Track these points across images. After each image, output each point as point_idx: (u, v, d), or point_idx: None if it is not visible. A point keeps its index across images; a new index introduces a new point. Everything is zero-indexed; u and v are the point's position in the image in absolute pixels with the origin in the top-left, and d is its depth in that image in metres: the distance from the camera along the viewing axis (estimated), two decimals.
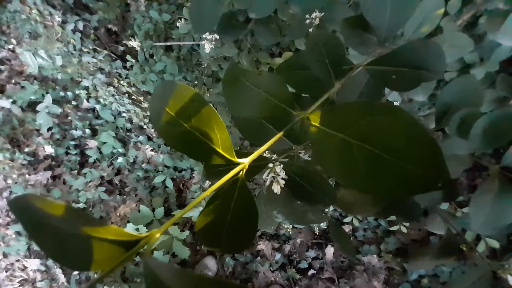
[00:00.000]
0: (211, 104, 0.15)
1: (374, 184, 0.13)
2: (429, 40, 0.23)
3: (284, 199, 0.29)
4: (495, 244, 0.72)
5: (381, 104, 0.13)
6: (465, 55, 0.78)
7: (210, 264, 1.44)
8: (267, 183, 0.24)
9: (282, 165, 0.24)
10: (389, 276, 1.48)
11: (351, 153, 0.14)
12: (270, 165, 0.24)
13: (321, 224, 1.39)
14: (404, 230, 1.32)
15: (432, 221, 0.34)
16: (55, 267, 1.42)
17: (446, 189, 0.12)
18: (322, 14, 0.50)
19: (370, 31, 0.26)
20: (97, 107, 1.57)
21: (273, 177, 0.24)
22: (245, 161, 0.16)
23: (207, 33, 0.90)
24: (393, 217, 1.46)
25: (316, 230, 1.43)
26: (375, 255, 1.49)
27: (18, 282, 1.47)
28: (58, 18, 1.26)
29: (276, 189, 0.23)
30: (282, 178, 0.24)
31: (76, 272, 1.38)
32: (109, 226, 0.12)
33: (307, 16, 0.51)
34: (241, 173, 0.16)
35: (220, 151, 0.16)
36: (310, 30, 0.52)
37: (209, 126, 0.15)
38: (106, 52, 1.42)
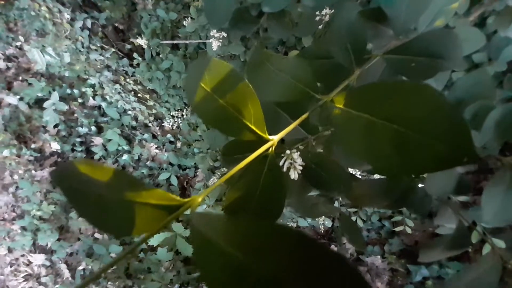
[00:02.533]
0: (246, 80, 0.16)
1: (399, 163, 0.14)
2: (446, 29, 0.24)
3: (299, 188, 0.30)
4: (501, 244, 0.72)
5: (408, 82, 0.13)
6: (474, 55, 0.78)
7: None
8: (284, 169, 0.24)
9: (299, 152, 0.25)
10: (392, 277, 1.47)
11: (377, 133, 0.14)
12: (287, 152, 0.25)
13: (326, 222, 1.39)
14: (409, 231, 1.32)
15: (443, 214, 0.35)
16: (60, 262, 1.44)
17: (472, 163, 0.12)
18: (332, 11, 0.50)
19: (385, 23, 0.27)
20: (103, 104, 1.58)
21: (290, 163, 0.24)
22: (275, 138, 0.17)
23: (215, 31, 0.91)
24: (398, 218, 1.44)
25: (321, 229, 1.43)
26: (379, 256, 1.48)
27: (23, 277, 1.48)
28: (67, 16, 1.28)
29: (294, 175, 0.24)
30: (299, 165, 0.24)
31: (80, 268, 1.39)
32: (154, 189, 0.12)
33: (317, 13, 0.52)
34: (271, 149, 0.17)
35: (253, 127, 0.16)
36: (320, 27, 0.53)
37: (243, 102, 0.16)
38: (113, 50, 1.43)
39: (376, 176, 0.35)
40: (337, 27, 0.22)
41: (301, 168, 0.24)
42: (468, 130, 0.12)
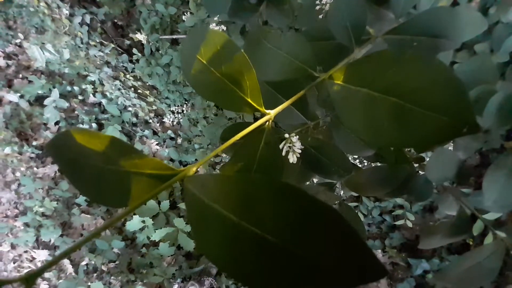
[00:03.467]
0: (242, 51, 0.15)
1: (399, 136, 0.13)
2: (448, 7, 0.23)
3: (298, 176, 0.29)
4: (503, 235, 0.72)
5: (408, 53, 0.13)
6: (476, 46, 0.77)
7: None
8: (283, 153, 0.24)
9: (298, 136, 0.24)
10: (393, 271, 1.47)
11: (376, 107, 0.14)
12: (286, 135, 0.25)
13: None
14: (409, 224, 1.32)
15: (444, 201, 0.34)
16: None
17: (472, 133, 0.12)
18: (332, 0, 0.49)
19: (386, 6, 0.26)
20: (103, 101, 1.58)
21: (289, 147, 0.24)
22: (272, 112, 0.17)
23: (214, 25, 0.90)
24: (398, 212, 1.44)
25: None
26: (380, 250, 1.49)
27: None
28: (65, 11, 1.27)
29: (292, 158, 0.24)
30: (298, 148, 0.24)
31: (84, 263, 1.40)
32: (149, 158, 0.12)
33: (317, 2, 0.51)
34: (267, 123, 0.16)
35: (249, 100, 0.16)
36: (320, 16, 0.52)
37: (239, 73, 0.15)
38: (112, 45, 1.43)
39: (377, 164, 0.35)
40: (337, 5, 0.22)
41: (300, 151, 0.24)
42: (469, 100, 0.12)
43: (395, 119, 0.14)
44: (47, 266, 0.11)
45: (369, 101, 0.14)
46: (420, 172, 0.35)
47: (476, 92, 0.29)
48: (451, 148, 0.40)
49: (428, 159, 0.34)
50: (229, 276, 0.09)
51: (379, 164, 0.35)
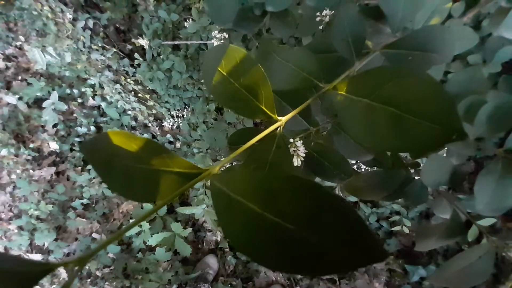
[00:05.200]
0: (259, 65, 0.17)
1: (397, 142, 0.15)
2: (440, 25, 0.25)
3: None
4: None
5: (405, 68, 0.15)
6: (469, 57, 0.80)
7: (212, 262, 1.44)
8: None
9: (302, 141, 0.26)
10: (390, 278, 1.48)
11: (375, 116, 0.15)
12: (291, 140, 0.26)
13: None
14: (406, 231, 1.33)
15: (438, 205, 0.36)
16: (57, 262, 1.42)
17: (460, 139, 0.13)
18: (332, 12, 0.52)
19: (383, 21, 0.28)
20: (103, 104, 1.58)
21: (294, 151, 0.25)
22: (283, 119, 0.18)
23: (216, 32, 0.93)
24: (395, 218, 1.45)
25: None
26: None
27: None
28: (69, 15, 1.29)
29: (297, 162, 0.25)
30: (302, 152, 0.25)
31: (77, 267, 1.38)
32: (177, 157, 0.14)
33: (318, 14, 0.53)
34: (279, 129, 0.18)
35: (264, 108, 0.17)
36: (320, 27, 0.54)
37: (256, 85, 0.17)
38: (114, 50, 1.44)
39: (374, 169, 0.36)
40: (339, 22, 0.23)
41: (303, 155, 0.25)
42: (456, 111, 0.14)
43: (393, 127, 0.15)
44: (99, 248, 0.12)
45: (370, 111, 0.16)
46: (416, 177, 0.37)
47: (467, 102, 0.31)
48: (445, 155, 0.42)
49: (423, 165, 0.35)
50: (252, 259, 0.10)
51: (377, 169, 0.36)
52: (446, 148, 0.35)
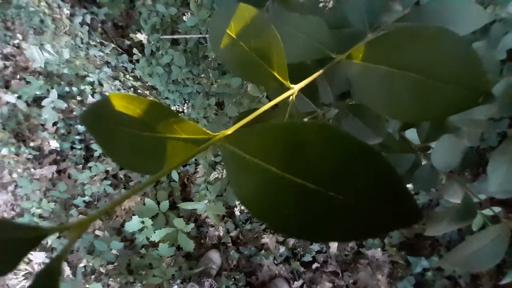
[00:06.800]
0: (272, 26, 0.16)
1: (419, 110, 0.14)
2: None
3: None
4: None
5: (425, 27, 0.14)
6: (473, 44, 0.79)
7: (215, 257, 1.44)
8: None
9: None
10: (393, 269, 1.48)
11: (395, 84, 0.14)
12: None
13: None
14: None
15: (449, 188, 0.35)
16: None
17: (488, 102, 0.13)
18: None
19: None
20: None
21: None
22: (296, 87, 0.17)
23: None
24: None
25: None
26: (379, 249, 1.50)
27: (23, 276, 1.47)
28: (66, 11, 1.27)
29: None
30: None
31: (81, 265, 1.38)
32: (186, 122, 0.13)
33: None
34: (291, 97, 0.17)
35: (276, 74, 0.16)
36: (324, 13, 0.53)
37: (268, 48, 0.16)
38: (112, 45, 1.43)
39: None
40: None
41: None
42: (484, 71, 0.13)
43: (415, 94, 0.14)
44: (100, 214, 0.11)
45: (389, 78, 0.15)
46: (424, 161, 0.36)
47: None
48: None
49: (433, 147, 0.34)
50: (270, 226, 0.09)
51: (384, 154, 0.35)
52: (456, 130, 0.34)
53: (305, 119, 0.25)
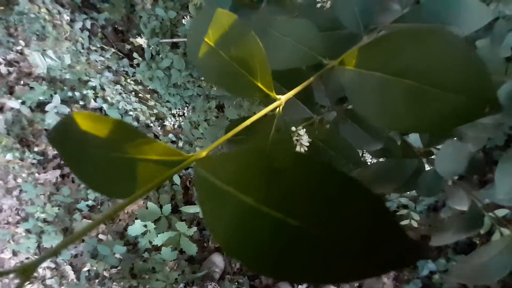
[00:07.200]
0: (252, 32, 0.15)
1: (415, 120, 0.13)
2: None
3: None
4: (508, 232, 0.70)
5: (424, 28, 0.12)
6: (477, 42, 0.77)
7: (218, 261, 1.43)
8: None
9: (305, 129, 0.24)
10: (399, 272, 1.45)
11: (390, 91, 0.13)
12: (293, 128, 0.24)
13: None
14: (414, 224, 1.30)
15: (455, 195, 0.34)
16: (65, 264, 1.43)
17: (494, 113, 0.11)
18: None
19: None
20: (104, 106, 1.58)
21: (296, 139, 0.23)
22: (282, 98, 0.16)
23: None
24: (403, 212, 1.43)
25: None
26: None
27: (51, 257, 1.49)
28: (66, 17, 1.28)
29: (300, 151, 0.23)
30: (306, 141, 0.23)
31: (85, 269, 1.39)
32: (156, 142, 0.12)
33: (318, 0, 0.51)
34: (278, 109, 0.16)
35: (260, 85, 0.15)
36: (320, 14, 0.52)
37: (249, 56, 0.15)
38: (113, 50, 1.43)
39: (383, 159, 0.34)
40: None
41: (307, 144, 0.23)
42: (490, 77, 0.12)
43: (411, 102, 0.13)
44: (46, 256, 0.10)
45: (383, 86, 0.14)
46: (428, 166, 0.35)
47: None
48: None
49: (437, 153, 0.33)
50: (244, 264, 0.08)
51: (386, 159, 0.34)
52: (460, 134, 0.33)
53: (300, 127, 0.24)
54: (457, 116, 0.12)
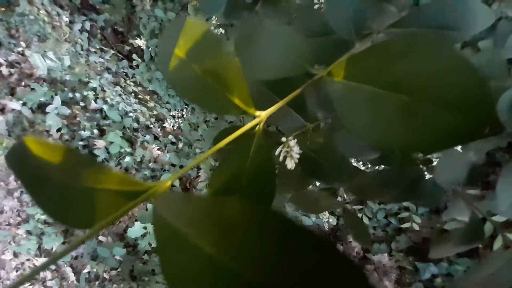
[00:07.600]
0: (225, 42, 0.14)
1: (410, 139, 0.11)
2: None
3: (298, 181, 0.28)
4: None
5: (420, 39, 0.11)
6: (480, 43, 0.75)
7: None
8: (280, 159, 0.22)
9: (296, 140, 0.23)
10: (400, 275, 1.43)
11: (382, 107, 0.12)
12: (283, 139, 0.23)
13: (331, 220, 1.36)
14: (416, 227, 1.28)
15: (455, 206, 0.32)
16: (65, 265, 1.44)
17: (495, 134, 0.10)
18: None
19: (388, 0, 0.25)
20: (105, 107, 1.58)
21: (287, 151, 0.22)
22: (263, 114, 0.15)
23: (212, 28, 0.90)
24: (404, 214, 1.41)
25: (326, 227, 1.40)
26: (386, 254, 1.45)
27: (29, 282, 1.49)
28: (65, 19, 1.28)
29: (290, 164, 0.22)
30: (297, 153, 0.22)
31: (85, 271, 1.39)
32: (112, 172, 0.11)
33: (316, 1, 0.50)
34: (258, 127, 0.15)
35: (235, 99, 0.14)
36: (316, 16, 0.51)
37: (224, 68, 0.14)
38: (112, 51, 1.43)
39: (381, 167, 0.33)
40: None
41: (298, 156, 0.22)
42: (490, 95, 0.10)
43: (406, 119, 0.12)
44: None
45: (374, 100, 0.13)
46: (428, 175, 0.33)
47: None
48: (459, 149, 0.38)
49: (436, 161, 0.32)
50: None
51: (384, 167, 0.33)
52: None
53: (291, 138, 0.23)
54: (454, 136, 0.11)
